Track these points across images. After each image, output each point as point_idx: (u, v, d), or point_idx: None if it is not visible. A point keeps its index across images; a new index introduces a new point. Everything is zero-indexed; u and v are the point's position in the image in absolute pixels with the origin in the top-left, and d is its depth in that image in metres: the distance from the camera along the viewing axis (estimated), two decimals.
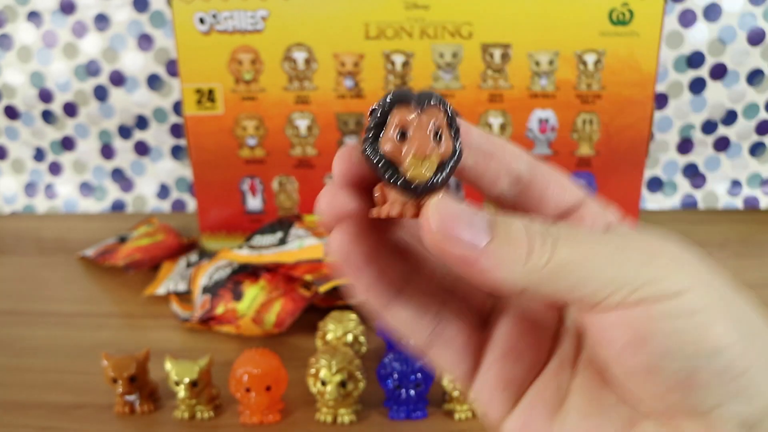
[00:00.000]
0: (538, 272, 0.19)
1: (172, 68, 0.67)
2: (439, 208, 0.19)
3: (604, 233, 0.20)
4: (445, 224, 0.18)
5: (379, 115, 0.19)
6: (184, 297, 0.55)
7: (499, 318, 0.24)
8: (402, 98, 0.19)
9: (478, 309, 0.24)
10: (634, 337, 0.19)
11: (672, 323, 0.18)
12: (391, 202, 0.20)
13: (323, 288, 0.49)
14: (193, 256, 0.61)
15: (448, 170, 0.20)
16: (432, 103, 0.19)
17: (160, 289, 0.56)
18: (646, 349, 0.19)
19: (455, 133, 0.20)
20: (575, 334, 0.23)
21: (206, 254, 0.61)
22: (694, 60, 0.65)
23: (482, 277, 0.19)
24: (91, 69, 0.68)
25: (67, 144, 0.72)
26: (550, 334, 0.23)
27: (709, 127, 0.68)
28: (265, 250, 0.54)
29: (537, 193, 0.23)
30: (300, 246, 0.53)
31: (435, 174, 0.19)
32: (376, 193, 0.20)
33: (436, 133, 0.19)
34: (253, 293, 0.51)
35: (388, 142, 0.19)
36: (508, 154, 0.23)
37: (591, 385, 0.22)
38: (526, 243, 0.19)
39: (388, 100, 0.19)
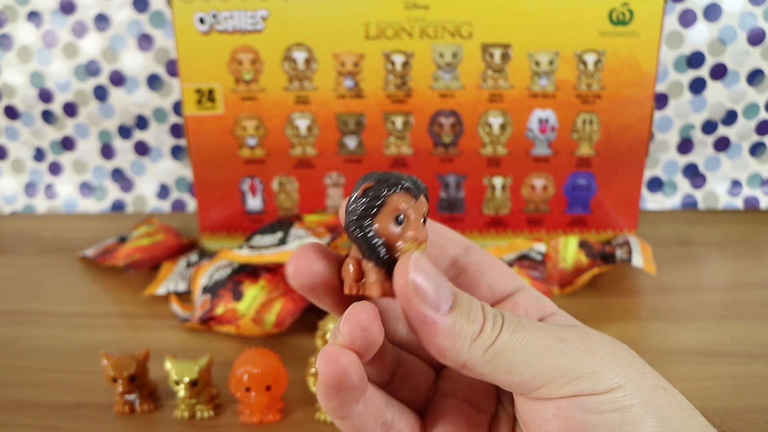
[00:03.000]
0: (481, 354, 0.20)
1: (172, 68, 0.67)
2: (417, 262, 0.20)
3: (545, 323, 0.21)
4: (418, 279, 0.19)
5: (373, 198, 0.21)
6: (184, 297, 0.55)
7: (440, 401, 0.24)
8: (398, 185, 0.21)
9: (419, 392, 0.25)
10: (567, 429, 0.20)
11: (605, 417, 0.19)
12: (371, 282, 0.21)
13: None
14: (193, 256, 0.61)
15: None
16: (424, 193, 0.21)
17: (160, 289, 0.56)
18: None
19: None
20: (511, 419, 0.24)
21: (206, 254, 0.61)
22: (694, 60, 0.65)
23: (432, 341, 0.20)
24: (91, 69, 0.68)
25: (67, 144, 0.72)
26: (486, 419, 0.24)
27: (709, 127, 0.68)
28: (265, 250, 0.54)
29: (472, 277, 0.25)
30: (300, 246, 0.53)
31: None
32: (349, 269, 0.21)
33: (424, 221, 0.21)
34: (253, 293, 0.51)
35: (388, 226, 0.21)
36: (446, 240, 0.25)
37: None
38: (480, 322, 0.20)
39: (386, 186, 0.21)
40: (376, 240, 0.21)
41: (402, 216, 0.21)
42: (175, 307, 0.54)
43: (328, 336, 0.45)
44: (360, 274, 0.21)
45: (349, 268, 0.21)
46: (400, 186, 0.21)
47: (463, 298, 0.20)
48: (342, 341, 0.20)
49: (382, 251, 0.21)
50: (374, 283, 0.21)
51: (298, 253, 0.21)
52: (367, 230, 0.21)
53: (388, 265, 0.21)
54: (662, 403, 0.20)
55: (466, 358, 0.20)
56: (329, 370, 0.20)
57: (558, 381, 0.20)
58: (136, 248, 0.61)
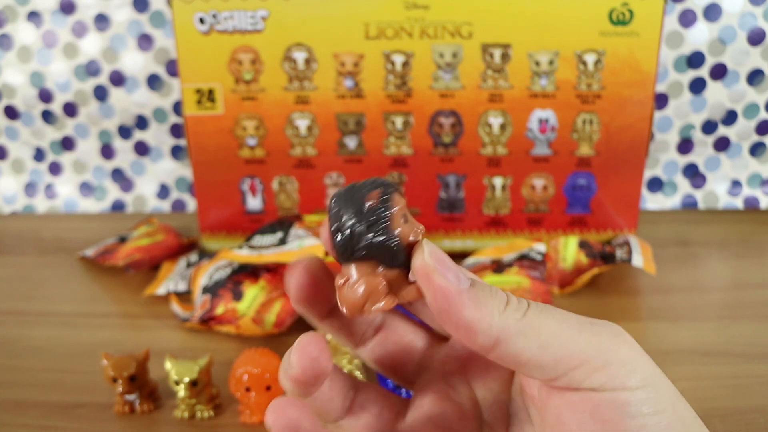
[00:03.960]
0: (514, 323, 0.19)
1: (172, 68, 0.67)
2: (432, 246, 0.20)
3: (568, 312, 0.21)
4: (438, 255, 0.20)
5: (385, 206, 0.21)
6: (185, 297, 0.55)
7: (416, 403, 0.24)
8: (391, 187, 0.21)
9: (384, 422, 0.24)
10: (590, 422, 0.20)
11: (631, 415, 0.19)
12: (408, 287, 0.21)
13: None
14: (193, 256, 0.61)
15: None
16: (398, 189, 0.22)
17: (160, 289, 0.56)
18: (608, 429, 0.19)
19: None
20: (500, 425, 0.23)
21: (206, 254, 0.61)
22: (694, 60, 0.65)
23: (461, 316, 0.19)
24: (91, 69, 0.68)
25: (67, 144, 0.72)
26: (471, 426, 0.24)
27: (709, 127, 0.68)
28: (265, 250, 0.54)
29: None
30: (300, 246, 0.53)
31: None
32: (358, 291, 0.21)
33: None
34: (253, 293, 0.51)
35: (401, 227, 0.21)
36: None
37: None
38: (504, 296, 0.20)
39: (386, 192, 0.21)
40: (398, 243, 0.21)
41: (406, 214, 0.21)
42: (175, 307, 0.54)
43: (328, 336, 0.45)
44: (390, 286, 0.21)
45: (359, 289, 0.21)
46: (392, 188, 0.21)
47: (479, 280, 0.21)
48: (293, 373, 0.21)
49: (404, 252, 0.21)
50: (411, 288, 0.21)
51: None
52: (394, 237, 0.21)
53: (408, 264, 0.21)
54: (684, 412, 0.20)
55: (499, 330, 0.19)
56: (279, 423, 0.22)
57: (593, 362, 0.19)
58: (136, 248, 0.61)
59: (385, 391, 0.25)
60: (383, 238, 0.20)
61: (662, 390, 0.20)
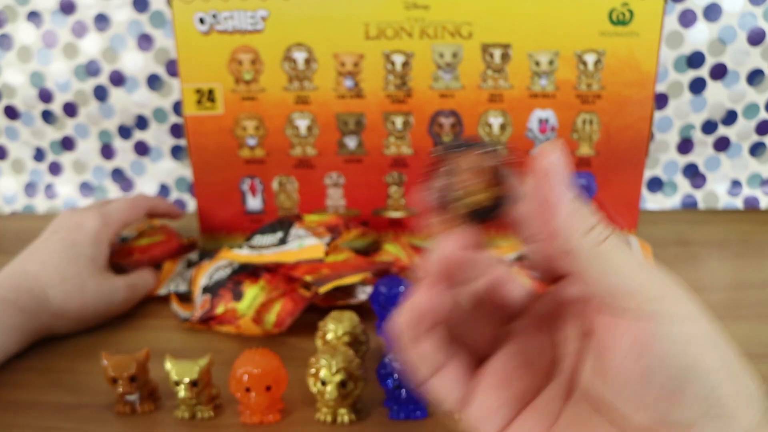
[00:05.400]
0: (588, 248, 0.23)
1: (172, 68, 0.67)
2: (559, 157, 0.23)
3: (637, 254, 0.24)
4: (560, 159, 0.23)
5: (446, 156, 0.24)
6: (184, 297, 0.55)
7: (496, 355, 0.27)
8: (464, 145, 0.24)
9: (479, 350, 0.27)
10: (638, 345, 0.22)
11: (675, 339, 0.21)
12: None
13: (323, 289, 0.49)
14: (194, 256, 0.61)
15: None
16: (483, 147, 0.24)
17: (162, 290, 0.56)
18: (647, 356, 0.21)
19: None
20: (571, 371, 0.26)
21: (207, 254, 0.61)
22: (694, 60, 0.65)
23: (554, 218, 0.23)
24: (91, 69, 0.68)
25: (67, 144, 0.72)
26: (543, 371, 0.26)
27: (709, 127, 0.68)
28: (265, 249, 0.54)
29: None
30: (300, 246, 0.53)
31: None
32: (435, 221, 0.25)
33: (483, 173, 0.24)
34: (253, 293, 0.51)
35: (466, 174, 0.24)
36: None
37: (581, 413, 0.24)
38: (593, 221, 0.23)
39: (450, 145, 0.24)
40: (454, 197, 0.25)
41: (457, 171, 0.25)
42: (175, 307, 0.54)
43: (328, 336, 0.45)
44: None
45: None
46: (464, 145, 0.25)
47: (581, 200, 0.24)
48: (433, 265, 0.25)
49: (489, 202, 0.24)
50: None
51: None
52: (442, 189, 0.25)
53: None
54: (718, 340, 0.22)
55: (575, 245, 0.23)
56: (416, 301, 0.24)
57: (648, 292, 0.22)
58: (136, 248, 0.61)
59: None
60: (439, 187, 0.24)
61: (708, 324, 0.22)
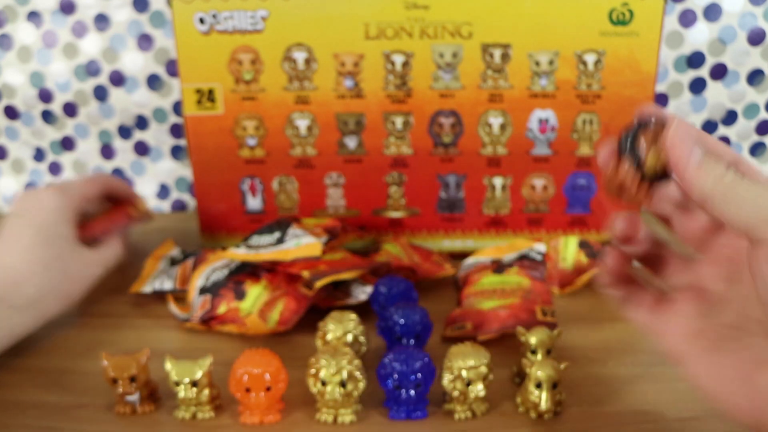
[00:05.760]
0: (721, 191, 0.28)
1: (172, 68, 0.67)
2: (683, 127, 0.30)
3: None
4: (684, 132, 0.29)
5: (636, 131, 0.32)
6: (180, 298, 0.55)
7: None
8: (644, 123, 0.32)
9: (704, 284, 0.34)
10: None
11: None
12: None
13: (320, 283, 0.49)
14: (177, 254, 0.61)
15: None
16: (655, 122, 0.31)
17: (146, 288, 0.56)
18: None
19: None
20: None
21: (190, 253, 0.60)
22: (694, 60, 0.65)
23: (687, 175, 0.29)
24: (91, 69, 0.68)
25: (67, 144, 0.72)
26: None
27: (709, 127, 0.68)
28: (262, 249, 0.54)
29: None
30: (297, 244, 0.53)
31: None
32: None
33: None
34: (256, 292, 0.51)
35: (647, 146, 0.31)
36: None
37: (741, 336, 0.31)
38: (722, 169, 0.28)
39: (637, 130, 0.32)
40: (637, 158, 0.32)
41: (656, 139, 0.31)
42: (173, 308, 0.53)
43: (328, 337, 0.46)
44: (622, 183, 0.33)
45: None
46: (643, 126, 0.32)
47: (710, 154, 0.29)
48: (614, 233, 0.35)
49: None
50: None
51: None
52: (631, 150, 0.32)
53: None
54: None
55: (709, 194, 0.28)
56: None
57: None
58: (87, 224, 0.57)
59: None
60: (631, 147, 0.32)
61: None
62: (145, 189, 0.74)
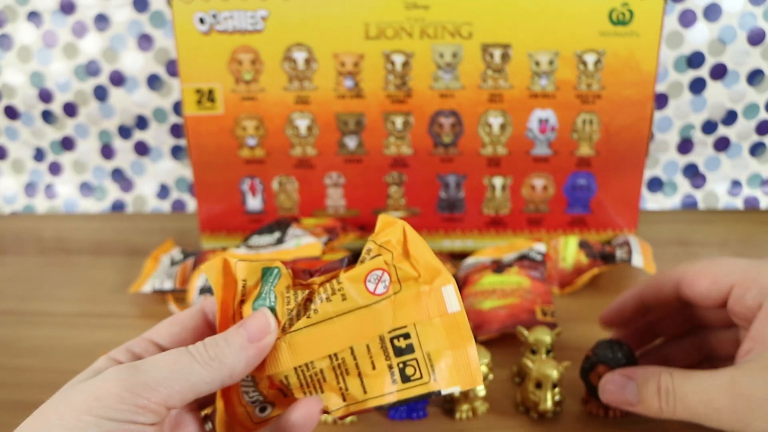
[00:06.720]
0: (669, 415, 0.34)
1: (172, 68, 0.67)
2: (610, 379, 0.38)
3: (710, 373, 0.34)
4: (616, 386, 0.37)
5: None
6: (180, 298, 0.55)
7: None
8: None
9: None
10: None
11: None
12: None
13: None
14: (177, 254, 0.61)
15: None
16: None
17: (146, 287, 0.56)
18: None
19: None
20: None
21: (190, 253, 0.60)
22: (694, 60, 0.65)
23: (637, 409, 0.36)
24: (91, 69, 0.68)
25: (67, 144, 0.72)
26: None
27: (709, 127, 0.68)
28: (262, 249, 0.54)
29: None
30: (297, 245, 0.53)
31: None
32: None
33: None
34: None
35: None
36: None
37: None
38: (657, 403, 0.34)
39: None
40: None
41: None
42: (173, 308, 0.54)
43: None
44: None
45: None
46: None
47: (645, 391, 0.35)
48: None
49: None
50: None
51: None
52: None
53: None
54: None
55: (665, 417, 0.35)
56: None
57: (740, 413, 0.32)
58: None
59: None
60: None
61: None
62: (145, 189, 0.74)
